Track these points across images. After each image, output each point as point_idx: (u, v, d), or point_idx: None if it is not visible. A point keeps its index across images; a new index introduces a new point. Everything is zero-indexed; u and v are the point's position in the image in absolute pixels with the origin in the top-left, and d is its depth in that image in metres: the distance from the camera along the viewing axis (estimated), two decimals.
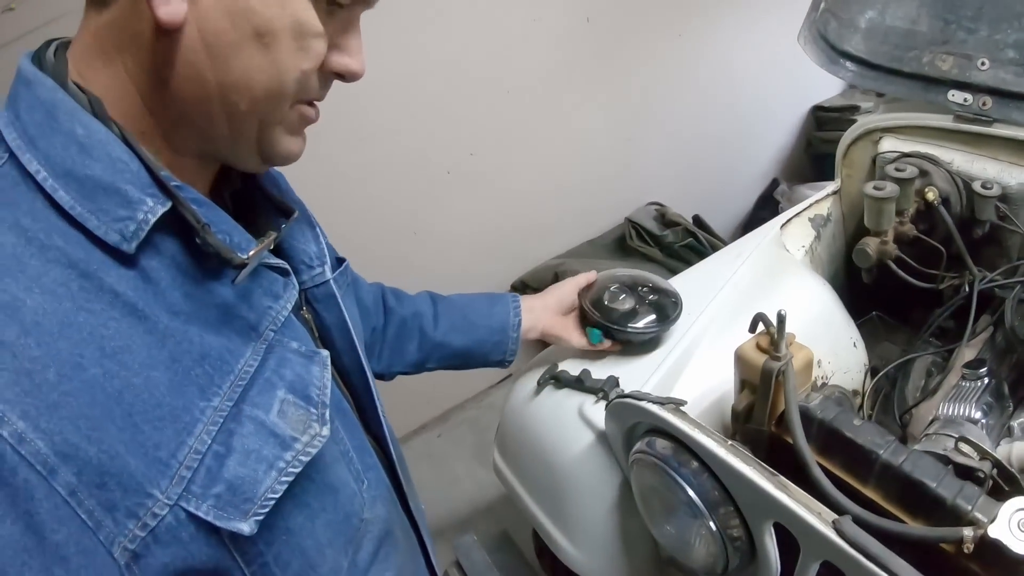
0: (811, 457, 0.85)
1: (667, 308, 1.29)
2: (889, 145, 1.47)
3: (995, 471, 0.92)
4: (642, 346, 1.31)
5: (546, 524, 1.35)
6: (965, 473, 0.93)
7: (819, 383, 1.32)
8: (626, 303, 1.28)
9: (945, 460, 0.95)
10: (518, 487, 1.42)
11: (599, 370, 1.28)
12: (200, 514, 0.56)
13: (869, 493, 0.86)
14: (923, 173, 1.38)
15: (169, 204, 0.58)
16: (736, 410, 1.05)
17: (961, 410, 1.09)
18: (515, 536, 1.69)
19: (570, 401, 1.28)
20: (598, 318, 1.27)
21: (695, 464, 0.92)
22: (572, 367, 1.30)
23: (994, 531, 0.71)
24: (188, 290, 0.60)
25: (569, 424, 1.27)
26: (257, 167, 0.70)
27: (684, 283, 1.39)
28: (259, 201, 0.78)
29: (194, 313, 0.60)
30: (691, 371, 1.26)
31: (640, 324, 1.26)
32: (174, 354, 0.57)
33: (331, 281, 0.82)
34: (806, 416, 0.92)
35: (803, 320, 1.27)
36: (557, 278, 2.44)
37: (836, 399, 1.28)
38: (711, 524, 0.91)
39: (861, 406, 1.35)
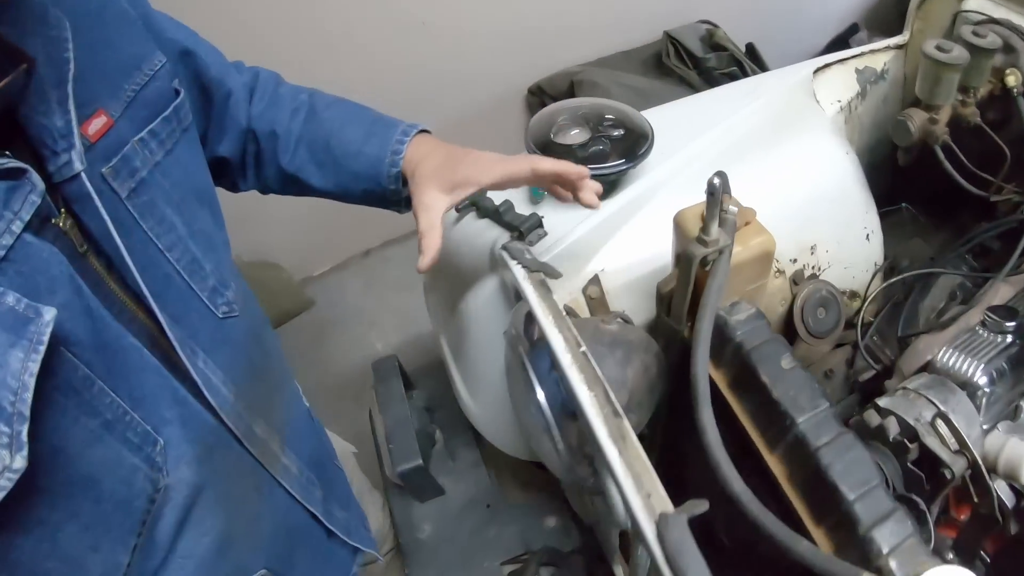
0: (705, 393, 0.56)
1: (634, 145, 0.96)
2: (977, 4, 1.10)
3: (968, 472, 0.64)
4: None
5: (451, 364, 1.18)
6: (929, 465, 0.65)
7: (806, 273, 1.04)
8: (579, 137, 0.96)
9: (910, 434, 0.67)
10: (434, 317, 1.25)
11: (528, 207, 1.00)
12: None
13: (772, 464, 0.58)
14: (1009, 49, 1.04)
15: None
16: (660, 292, 0.77)
17: (964, 366, 0.77)
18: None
19: (488, 234, 1.02)
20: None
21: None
22: (498, 195, 1.01)
23: None
24: None
25: (481, 261, 1.03)
26: None
27: (668, 116, 1.09)
28: None
29: None
30: (635, 226, 0.97)
31: (597, 164, 0.94)
32: None
33: (83, 175, 0.55)
34: (722, 333, 0.63)
35: (807, 189, 1.00)
36: (572, 88, 2.06)
37: (819, 298, 1.01)
38: (555, 434, 0.66)
39: (859, 311, 1.06)
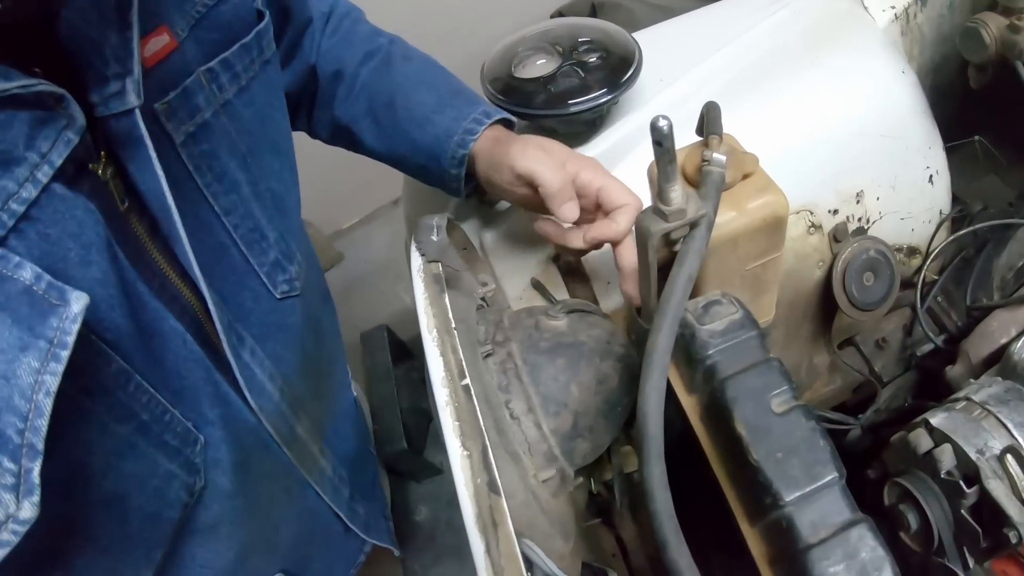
0: (655, 439, 0.37)
1: (616, 72, 0.75)
2: None
3: None
4: (576, 135, 0.80)
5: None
6: (991, 515, 0.45)
7: (851, 227, 0.84)
8: (546, 67, 0.75)
9: (969, 472, 0.47)
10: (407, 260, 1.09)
11: None
12: None
13: (750, 538, 0.38)
14: None
15: None
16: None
17: None
18: None
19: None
20: (503, 102, 0.75)
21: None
22: None
23: None
24: None
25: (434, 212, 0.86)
26: None
27: (672, 34, 0.92)
28: None
29: None
30: (623, 174, 0.77)
31: (571, 101, 0.73)
32: None
33: (136, 112, 0.42)
34: (685, 349, 0.42)
35: (851, 121, 0.81)
36: (594, 11, 1.81)
37: (865, 260, 0.79)
38: None
39: (920, 269, 0.85)
